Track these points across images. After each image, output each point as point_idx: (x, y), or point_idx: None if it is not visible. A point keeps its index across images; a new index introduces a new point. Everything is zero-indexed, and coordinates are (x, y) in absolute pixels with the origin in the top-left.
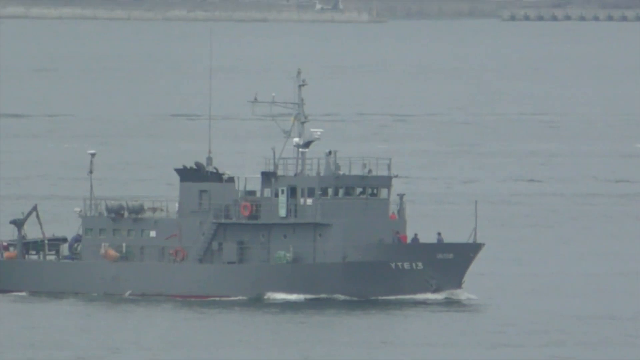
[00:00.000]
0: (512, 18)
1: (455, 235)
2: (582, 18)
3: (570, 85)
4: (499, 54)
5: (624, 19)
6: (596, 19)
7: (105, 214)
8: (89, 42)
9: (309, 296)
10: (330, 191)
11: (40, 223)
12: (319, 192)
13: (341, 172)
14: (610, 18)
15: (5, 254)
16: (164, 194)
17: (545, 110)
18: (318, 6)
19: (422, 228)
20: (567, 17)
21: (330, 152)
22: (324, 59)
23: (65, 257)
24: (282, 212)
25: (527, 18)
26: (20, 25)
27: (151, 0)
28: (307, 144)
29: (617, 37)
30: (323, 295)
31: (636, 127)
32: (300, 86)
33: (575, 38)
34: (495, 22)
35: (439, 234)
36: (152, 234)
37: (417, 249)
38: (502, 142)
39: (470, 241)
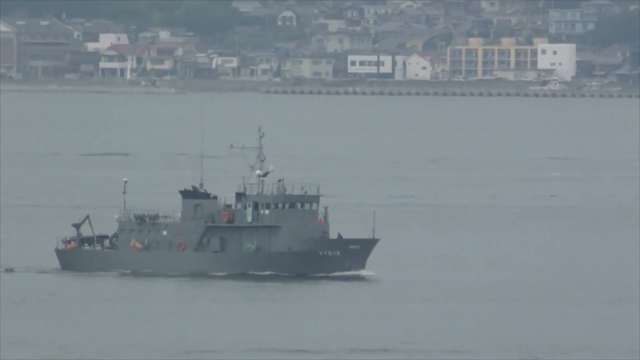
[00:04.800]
0: (267, 92)
1: (361, 233)
2: (311, 92)
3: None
4: (252, 114)
5: (347, 92)
6: (319, 92)
7: (133, 219)
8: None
9: (266, 273)
10: (280, 205)
11: (91, 226)
12: (273, 206)
13: (287, 193)
14: (337, 92)
15: (68, 246)
16: (171, 206)
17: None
18: (142, 83)
19: (336, 229)
20: (302, 92)
21: (280, 180)
22: (153, 114)
23: (107, 248)
24: (249, 218)
25: (276, 92)
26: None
27: (33, 78)
28: (265, 174)
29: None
30: (276, 273)
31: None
32: (260, 137)
33: (300, 105)
34: (256, 94)
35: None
36: (164, 232)
37: (336, 242)
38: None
39: (370, 237)
